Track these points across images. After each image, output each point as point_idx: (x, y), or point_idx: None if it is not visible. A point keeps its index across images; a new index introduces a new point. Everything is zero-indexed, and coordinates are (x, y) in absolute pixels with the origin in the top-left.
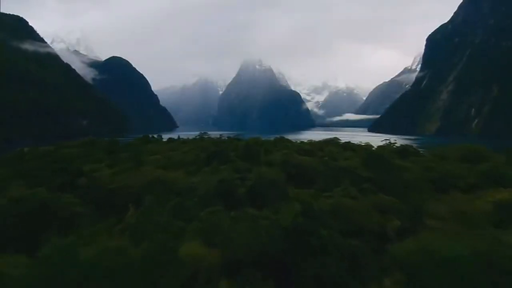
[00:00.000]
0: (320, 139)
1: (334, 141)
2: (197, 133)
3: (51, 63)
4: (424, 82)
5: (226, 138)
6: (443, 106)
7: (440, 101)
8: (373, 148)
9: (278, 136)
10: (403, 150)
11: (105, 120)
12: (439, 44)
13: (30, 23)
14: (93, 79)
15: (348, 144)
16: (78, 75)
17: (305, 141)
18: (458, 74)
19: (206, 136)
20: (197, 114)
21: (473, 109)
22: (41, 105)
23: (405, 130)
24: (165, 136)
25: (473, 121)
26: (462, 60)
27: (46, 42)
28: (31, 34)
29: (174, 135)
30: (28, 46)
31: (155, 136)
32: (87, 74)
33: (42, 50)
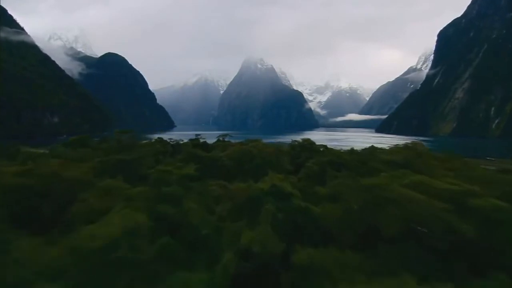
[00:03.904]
0: (392, 145)
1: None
2: (192, 132)
3: (24, 53)
4: (437, 80)
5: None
6: (459, 105)
7: (455, 100)
8: None
9: (299, 139)
10: None
11: (85, 117)
12: (452, 40)
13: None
14: (80, 74)
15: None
16: (58, 68)
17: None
18: (474, 71)
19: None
20: (198, 113)
21: (493, 108)
22: None
23: (416, 130)
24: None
25: (494, 121)
26: (478, 56)
27: (23, 30)
28: (9, 22)
29: (165, 135)
30: None
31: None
32: (74, 68)
33: (14, 38)
